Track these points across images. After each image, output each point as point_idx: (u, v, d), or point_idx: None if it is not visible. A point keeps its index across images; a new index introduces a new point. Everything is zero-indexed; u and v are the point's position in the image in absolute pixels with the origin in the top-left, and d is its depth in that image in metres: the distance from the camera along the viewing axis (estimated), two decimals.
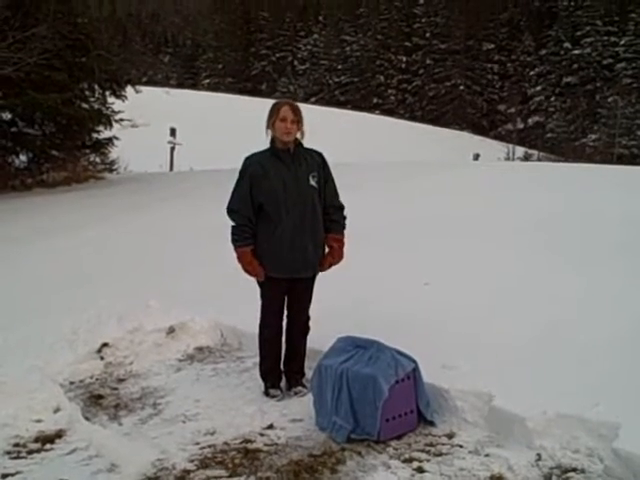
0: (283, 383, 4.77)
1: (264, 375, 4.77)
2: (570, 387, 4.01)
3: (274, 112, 4.50)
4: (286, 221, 4.46)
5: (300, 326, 4.75)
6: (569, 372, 4.20)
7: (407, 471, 3.65)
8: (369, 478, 3.58)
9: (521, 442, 3.76)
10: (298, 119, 4.50)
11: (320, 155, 4.66)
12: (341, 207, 4.71)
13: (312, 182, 4.54)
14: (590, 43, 67.63)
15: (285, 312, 4.72)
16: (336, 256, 4.67)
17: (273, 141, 4.56)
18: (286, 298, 4.68)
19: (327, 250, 4.67)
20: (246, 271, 4.60)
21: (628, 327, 4.79)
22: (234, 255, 4.61)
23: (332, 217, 4.66)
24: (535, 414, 3.78)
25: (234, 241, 4.57)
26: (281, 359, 4.78)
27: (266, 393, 4.70)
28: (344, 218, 4.72)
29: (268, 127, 4.55)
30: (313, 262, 4.59)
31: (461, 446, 3.88)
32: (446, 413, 4.18)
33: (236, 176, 4.61)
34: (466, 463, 3.68)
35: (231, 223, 4.60)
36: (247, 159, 4.62)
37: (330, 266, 4.69)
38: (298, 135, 4.54)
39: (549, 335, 4.77)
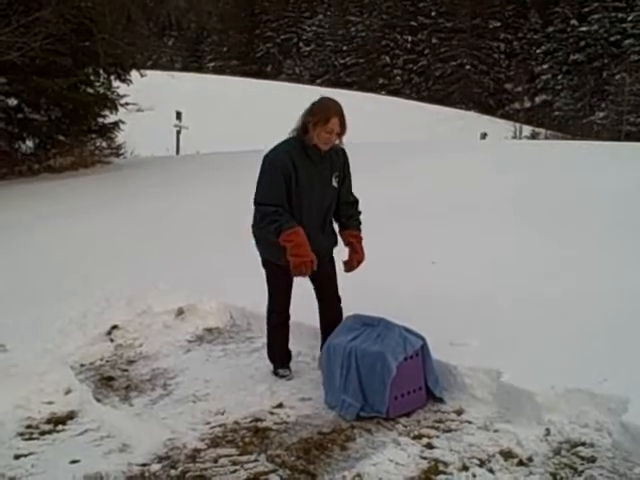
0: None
1: (272, 357, 4.78)
2: (578, 362, 4.03)
3: (322, 118, 4.22)
4: (306, 219, 4.32)
5: (332, 299, 4.63)
6: (577, 347, 4.21)
7: (417, 447, 3.67)
8: (379, 455, 3.60)
9: (530, 417, 3.77)
10: (342, 131, 4.29)
11: (344, 153, 4.53)
12: (356, 201, 4.63)
13: (334, 183, 4.44)
14: (597, 19, 66.92)
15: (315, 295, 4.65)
16: (360, 252, 4.55)
17: (305, 136, 4.30)
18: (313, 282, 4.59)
19: (348, 249, 4.57)
20: (297, 258, 4.19)
21: (633, 303, 4.80)
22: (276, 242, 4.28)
23: (348, 213, 4.58)
24: (544, 389, 3.79)
25: (279, 225, 4.19)
26: (289, 342, 4.75)
27: (275, 373, 4.71)
28: (359, 213, 4.63)
29: (306, 122, 4.28)
30: (325, 252, 4.51)
31: (470, 422, 3.90)
32: (455, 390, 4.20)
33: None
34: (475, 439, 3.71)
35: (261, 213, 4.30)
36: (275, 150, 4.36)
37: (358, 264, 4.56)
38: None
39: (556, 311, 4.78)
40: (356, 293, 4.67)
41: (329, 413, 4.14)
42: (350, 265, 4.56)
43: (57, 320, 5.54)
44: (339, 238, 4.61)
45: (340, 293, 4.63)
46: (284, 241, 4.19)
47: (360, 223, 4.62)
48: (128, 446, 3.83)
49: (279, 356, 4.75)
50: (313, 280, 4.54)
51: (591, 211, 7.36)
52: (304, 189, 4.30)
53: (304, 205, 4.33)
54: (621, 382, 3.72)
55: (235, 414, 4.19)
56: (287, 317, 4.69)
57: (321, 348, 4.45)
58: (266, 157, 4.37)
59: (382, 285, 5.41)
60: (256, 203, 4.33)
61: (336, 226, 4.63)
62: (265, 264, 4.60)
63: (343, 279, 4.61)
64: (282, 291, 4.59)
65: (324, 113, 4.24)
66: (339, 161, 4.47)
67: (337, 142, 4.36)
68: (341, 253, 4.62)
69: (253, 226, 4.53)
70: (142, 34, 20.17)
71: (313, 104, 4.34)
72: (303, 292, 4.60)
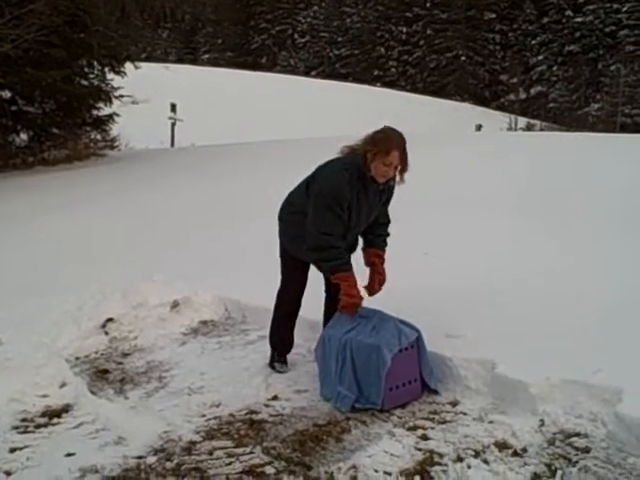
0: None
1: (274, 344, 4.70)
2: (573, 353, 4.03)
3: (382, 150, 4.02)
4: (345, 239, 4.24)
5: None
6: (572, 338, 4.21)
7: (412, 439, 3.68)
8: (374, 446, 3.60)
9: (524, 408, 3.78)
10: (403, 167, 4.10)
11: (394, 184, 4.30)
12: (388, 222, 4.50)
13: (377, 210, 4.34)
14: (592, 10, 66.86)
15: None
16: (382, 273, 4.41)
17: (364, 165, 4.09)
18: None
19: (369, 270, 4.43)
20: (349, 298, 4.14)
21: (628, 294, 4.82)
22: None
23: (377, 231, 4.45)
24: (538, 380, 3.80)
25: (338, 265, 4.11)
26: (293, 333, 4.71)
27: (272, 366, 4.65)
28: (388, 235, 4.51)
29: (366, 151, 4.06)
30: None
31: (465, 413, 3.91)
32: (450, 381, 4.20)
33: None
34: (470, 430, 3.71)
35: (324, 242, 4.13)
36: (336, 179, 4.09)
37: (380, 286, 4.42)
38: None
39: (550, 302, 4.79)
40: None
41: (324, 405, 4.14)
42: (371, 287, 4.41)
43: (52, 313, 5.52)
44: (357, 243, 4.52)
45: None
46: (339, 279, 4.14)
47: (386, 245, 4.49)
48: (123, 439, 3.83)
49: (280, 344, 4.70)
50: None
51: (589, 203, 7.37)
52: (353, 218, 4.18)
53: (347, 229, 4.21)
54: (615, 373, 3.73)
55: (230, 406, 4.19)
56: (298, 307, 4.63)
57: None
58: (326, 181, 4.15)
59: None
60: (320, 233, 4.12)
61: (360, 241, 4.51)
62: (284, 254, 4.53)
63: None
64: (298, 282, 4.53)
65: (385, 144, 4.04)
66: (390, 192, 4.34)
67: (397, 179, 4.18)
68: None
69: (284, 215, 4.44)
70: (136, 26, 20.13)
71: (376, 132, 4.15)
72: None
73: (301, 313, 4.78)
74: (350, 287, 4.15)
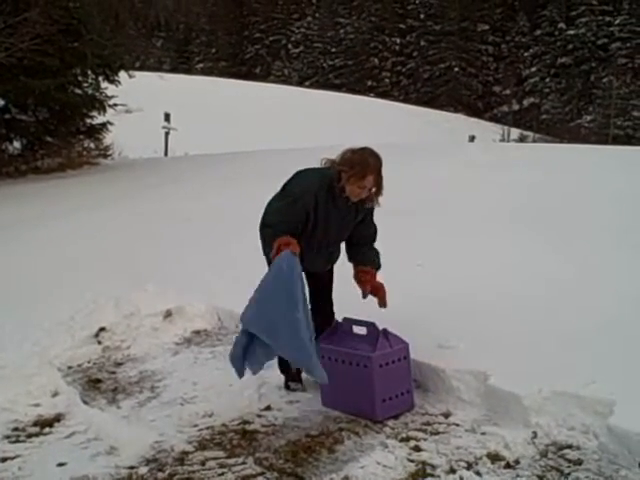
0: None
1: (285, 370, 4.56)
2: (565, 365, 4.05)
3: (358, 173, 4.01)
4: (310, 246, 4.20)
5: (326, 312, 4.53)
6: (564, 350, 4.23)
7: (404, 450, 3.68)
8: (367, 457, 3.60)
9: (517, 420, 3.79)
10: (378, 190, 4.11)
11: (372, 206, 4.29)
12: (373, 240, 4.42)
13: (351, 225, 4.30)
14: (585, 23, 67.26)
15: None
16: (372, 285, 4.33)
17: (337, 183, 4.08)
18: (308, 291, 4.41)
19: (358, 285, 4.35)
20: (283, 246, 4.01)
21: (621, 306, 4.83)
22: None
23: (360, 250, 4.39)
24: (531, 392, 3.81)
25: (271, 236, 4.08)
26: None
27: (287, 387, 4.53)
28: (374, 252, 4.42)
29: (341, 171, 4.06)
30: (319, 268, 4.40)
31: (458, 425, 3.91)
32: (442, 392, 4.21)
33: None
34: (463, 441, 3.72)
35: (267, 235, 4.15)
36: (306, 183, 4.13)
37: (378, 293, 4.33)
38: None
39: (543, 314, 4.80)
40: (345, 296, 4.67)
41: (317, 416, 4.15)
42: (364, 293, 4.34)
43: (44, 322, 5.52)
44: (337, 255, 4.49)
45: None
46: (277, 245, 4.03)
47: (375, 262, 4.39)
48: (115, 449, 3.82)
49: (289, 366, 4.52)
50: (308, 284, 4.44)
51: (587, 214, 7.38)
52: (319, 230, 4.16)
53: (314, 238, 4.19)
54: (608, 385, 3.74)
55: (223, 417, 4.18)
56: None
57: None
58: (296, 183, 4.18)
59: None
60: (266, 224, 4.16)
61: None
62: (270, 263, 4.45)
63: (335, 281, 4.59)
64: None
65: (362, 168, 4.02)
66: (365, 212, 4.29)
67: (372, 202, 4.18)
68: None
69: (261, 227, 4.39)
70: (130, 35, 20.15)
71: (353, 152, 4.11)
72: None
73: None
74: (282, 240, 3.99)
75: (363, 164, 4.04)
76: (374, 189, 4.11)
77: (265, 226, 4.19)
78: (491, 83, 74.82)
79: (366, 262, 4.38)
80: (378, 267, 4.42)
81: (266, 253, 4.22)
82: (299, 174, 4.27)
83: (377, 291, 4.35)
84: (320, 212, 4.12)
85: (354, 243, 4.41)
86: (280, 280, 3.94)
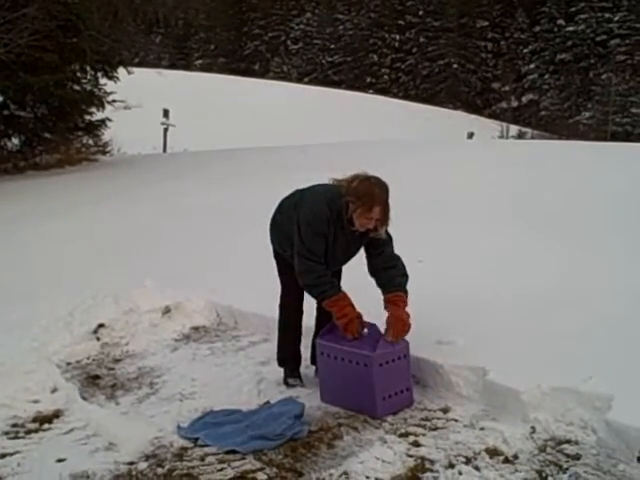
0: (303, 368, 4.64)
1: (282, 363, 4.60)
2: (564, 360, 4.05)
3: (365, 204, 4.02)
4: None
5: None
6: (563, 346, 4.23)
7: (403, 445, 3.69)
8: (366, 453, 3.61)
9: (516, 415, 3.80)
10: (384, 221, 4.11)
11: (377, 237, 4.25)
12: (396, 265, 4.31)
13: (356, 250, 4.34)
14: (584, 19, 67.23)
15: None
16: (401, 318, 4.17)
17: (345, 212, 4.11)
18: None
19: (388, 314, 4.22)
20: (343, 318, 4.12)
21: (620, 303, 4.83)
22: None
23: (385, 276, 4.29)
24: (529, 388, 3.81)
25: (323, 292, 4.16)
26: (301, 342, 4.62)
27: (285, 383, 4.54)
28: (402, 276, 4.31)
29: (349, 201, 4.07)
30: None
31: (456, 420, 3.92)
32: (441, 388, 4.23)
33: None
34: (461, 437, 3.72)
35: (305, 266, 4.18)
36: (317, 209, 4.17)
37: (399, 334, 4.15)
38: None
39: (542, 310, 4.80)
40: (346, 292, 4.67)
41: (316, 411, 4.14)
42: (387, 334, 4.14)
43: (43, 318, 5.51)
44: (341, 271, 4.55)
45: None
46: (329, 306, 4.15)
47: (401, 287, 4.26)
48: (114, 445, 3.82)
49: (291, 360, 4.57)
50: None
51: (587, 211, 7.39)
52: (328, 247, 4.20)
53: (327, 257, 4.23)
54: (606, 380, 3.75)
55: None
56: (300, 315, 4.56)
57: (312, 342, 4.52)
58: (308, 213, 4.20)
59: (370, 285, 5.41)
60: (301, 256, 4.18)
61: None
62: (277, 256, 4.53)
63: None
64: (295, 289, 4.42)
65: (369, 200, 4.03)
66: (372, 236, 4.24)
67: (376, 232, 4.16)
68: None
69: (274, 218, 4.48)
70: (129, 31, 20.10)
71: (360, 183, 4.10)
72: None
73: None
74: (340, 309, 4.13)
75: (370, 195, 4.04)
76: (380, 220, 4.10)
77: (303, 257, 4.17)
78: (490, 79, 74.80)
79: (394, 288, 4.26)
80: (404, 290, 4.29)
81: (312, 296, 4.27)
82: (308, 196, 4.30)
83: (398, 329, 4.16)
84: (330, 236, 4.18)
85: (380, 273, 4.30)
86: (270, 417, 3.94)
